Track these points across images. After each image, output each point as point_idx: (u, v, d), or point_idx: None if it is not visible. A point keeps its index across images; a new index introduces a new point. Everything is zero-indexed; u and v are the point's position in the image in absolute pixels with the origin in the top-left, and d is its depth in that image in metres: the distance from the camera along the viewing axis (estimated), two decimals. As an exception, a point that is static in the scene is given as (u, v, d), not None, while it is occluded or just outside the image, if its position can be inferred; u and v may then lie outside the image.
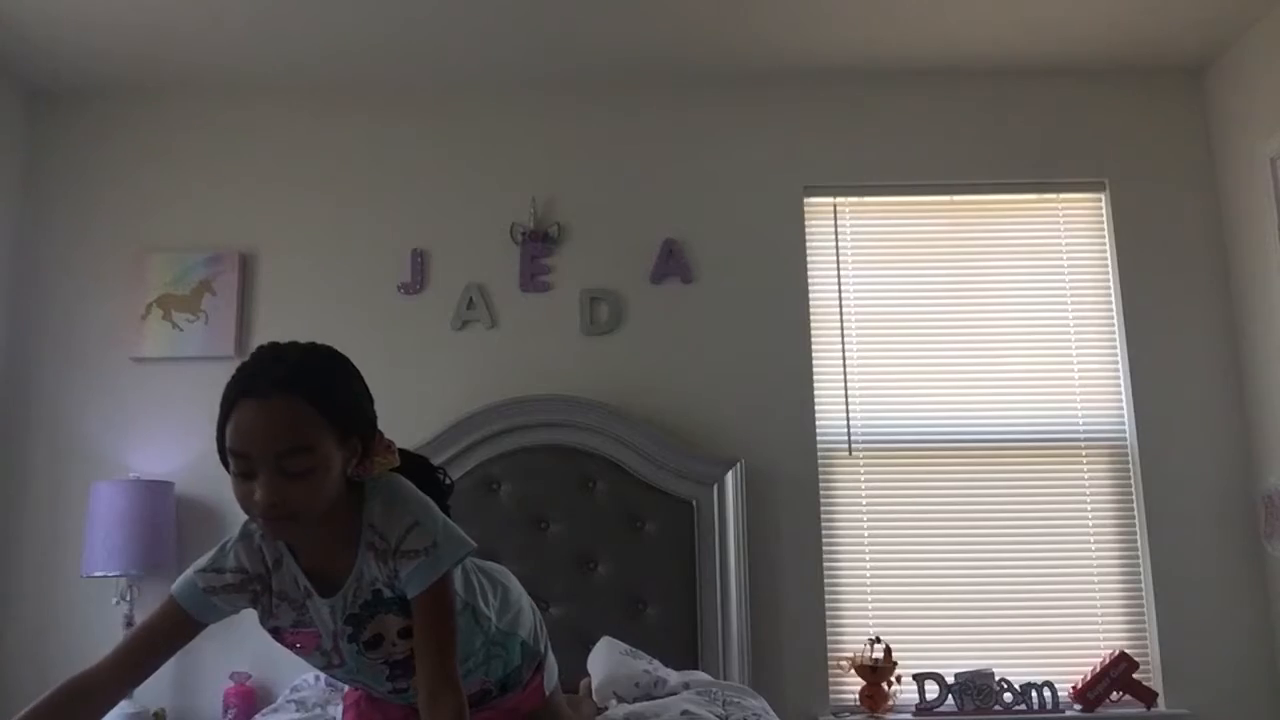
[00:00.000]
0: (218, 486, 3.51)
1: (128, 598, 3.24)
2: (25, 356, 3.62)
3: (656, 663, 2.94)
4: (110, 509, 3.24)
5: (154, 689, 3.32)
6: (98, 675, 1.59)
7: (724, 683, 2.96)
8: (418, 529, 1.56)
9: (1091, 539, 3.47)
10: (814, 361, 3.60)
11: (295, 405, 1.48)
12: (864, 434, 3.57)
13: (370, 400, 1.60)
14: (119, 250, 3.68)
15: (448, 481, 1.87)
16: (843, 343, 3.63)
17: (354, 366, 1.61)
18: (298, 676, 3.06)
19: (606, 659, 2.92)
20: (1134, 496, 3.50)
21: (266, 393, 1.51)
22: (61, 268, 3.68)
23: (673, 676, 2.90)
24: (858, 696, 3.30)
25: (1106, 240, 3.68)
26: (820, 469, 3.52)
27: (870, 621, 3.43)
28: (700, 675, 3.02)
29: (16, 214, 3.69)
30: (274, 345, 1.59)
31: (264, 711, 2.79)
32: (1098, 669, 3.31)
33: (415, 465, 1.76)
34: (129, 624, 3.23)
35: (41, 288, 3.67)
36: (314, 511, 1.48)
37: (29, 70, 3.65)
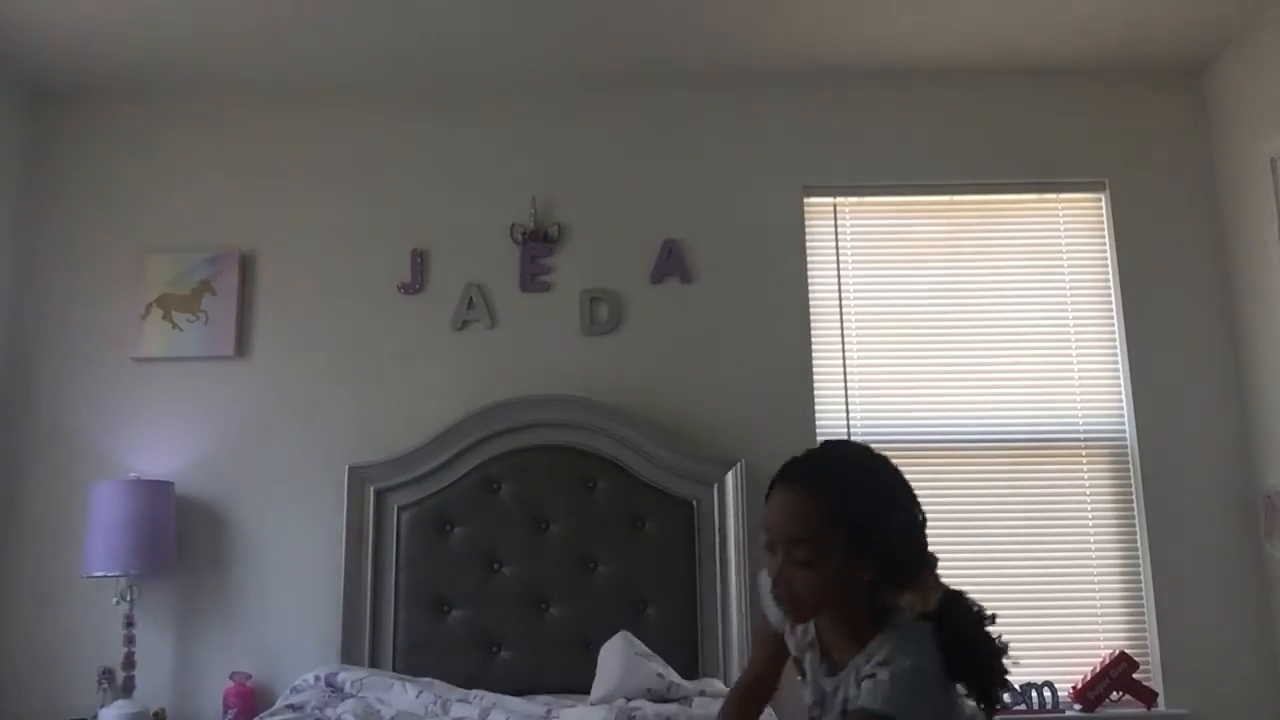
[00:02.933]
0: (218, 486, 3.51)
1: (128, 598, 3.24)
2: (25, 356, 3.62)
3: (670, 668, 2.94)
4: (110, 509, 3.24)
5: (154, 689, 3.33)
6: (754, 670, 1.91)
7: None
8: (885, 668, 1.52)
9: (1091, 539, 3.47)
10: (814, 361, 3.59)
11: (809, 502, 1.60)
12: (864, 434, 3.57)
13: (907, 535, 1.64)
14: (119, 250, 3.68)
15: (994, 648, 1.63)
16: (843, 342, 3.63)
17: (898, 494, 1.66)
18: (297, 677, 3.06)
19: (621, 659, 2.91)
20: (1134, 496, 3.50)
21: (792, 482, 1.65)
22: (61, 268, 3.69)
23: (686, 685, 2.89)
24: (858, 696, 3.29)
25: (1106, 240, 3.68)
26: (820, 469, 3.51)
27: (870, 621, 3.43)
28: (716, 684, 3.02)
29: (16, 214, 3.69)
30: (833, 443, 1.76)
31: (262, 716, 2.78)
32: (1098, 669, 3.31)
33: (966, 622, 1.64)
34: (129, 624, 3.23)
35: (41, 288, 3.67)
36: (813, 602, 1.59)
37: (29, 70, 3.65)
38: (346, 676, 2.95)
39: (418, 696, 2.83)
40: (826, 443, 1.73)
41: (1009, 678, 1.60)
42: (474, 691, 2.93)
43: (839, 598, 1.58)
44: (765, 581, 1.70)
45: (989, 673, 1.58)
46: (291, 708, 2.79)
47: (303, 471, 3.49)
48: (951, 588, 1.65)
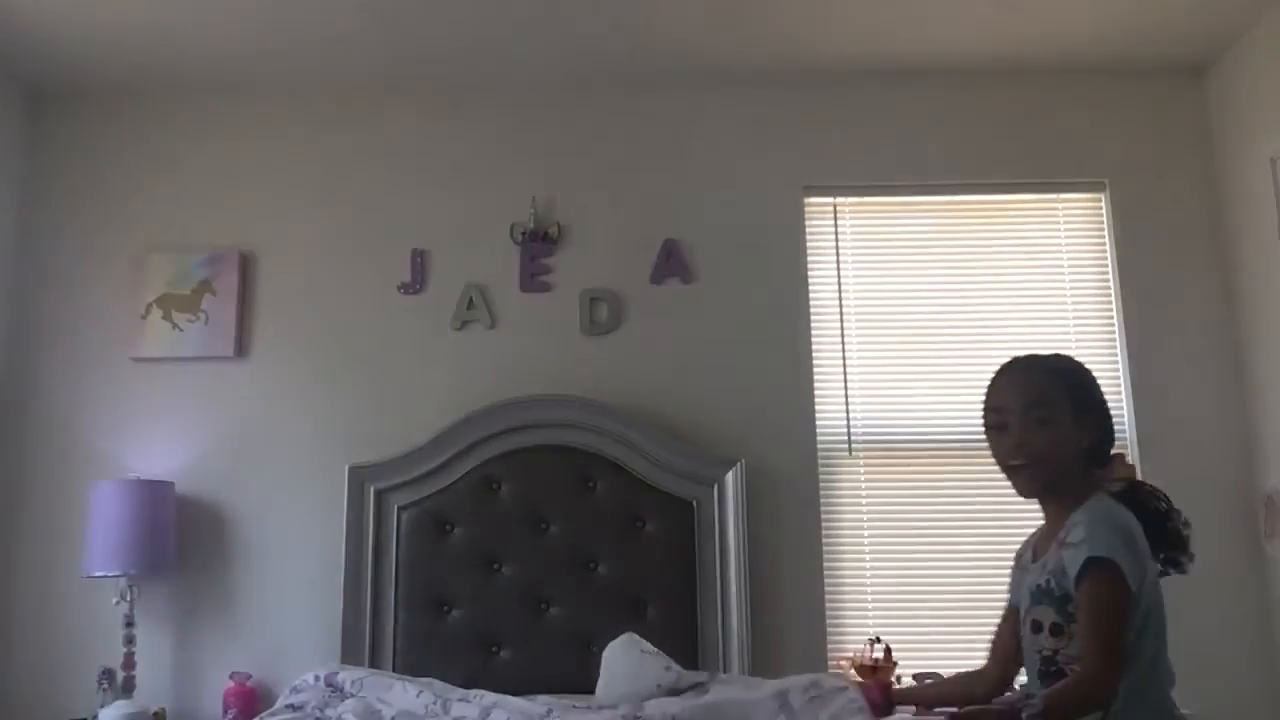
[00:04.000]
0: (218, 486, 3.52)
1: (128, 598, 3.24)
2: (25, 356, 3.62)
3: (675, 663, 2.93)
4: (110, 509, 3.24)
5: (154, 689, 3.33)
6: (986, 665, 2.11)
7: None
8: (1077, 529, 1.76)
9: (1091, 539, 3.47)
10: (814, 361, 3.60)
11: (1038, 373, 1.91)
12: (864, 434, 3.57)
13: (1108, 414, 1.92)
14: (119, 250, 3.68)
15: (1171, 527, 1.95)
16: (843, 343, 3.63)
17: (1091, 375, 1.94)
18: (297, 677, 3.06)
19: (627, 658, 2.90)
20: (1134, 496, 3.49)
21: (1016, 368, 1.94)
22: (61, 268, 3.68)
23: (695, 674, 2.89)
24: (858, 696, 3.29)
25: (1106, 240, 3.68)
26: (820, 469, 3.52)
27: (870, 621, 3.43)
28: (722, 673, 3.02)
29: (16, 214, 3.69)
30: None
31: (262, 716, 2.78)
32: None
33: (1156, 495, 1.95)
34: (129, 624, 3.23)
35: (41, 288, 3.67)
36: (1051, 460, 1.82)
37: (29, 70, 3.65)
38: (346, 676, 2.95)
39: (418, 696, 2.82)
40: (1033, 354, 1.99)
41: (1190, 549, 1.91)
42: (474, 691, 2.92)
43: (1066, 462, 1.83)
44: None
45: (1176, 539, 1.91)
46: (291, 708, 2.79)
47: (303, 471, 3.49)
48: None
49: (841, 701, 2.16)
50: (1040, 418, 1.83)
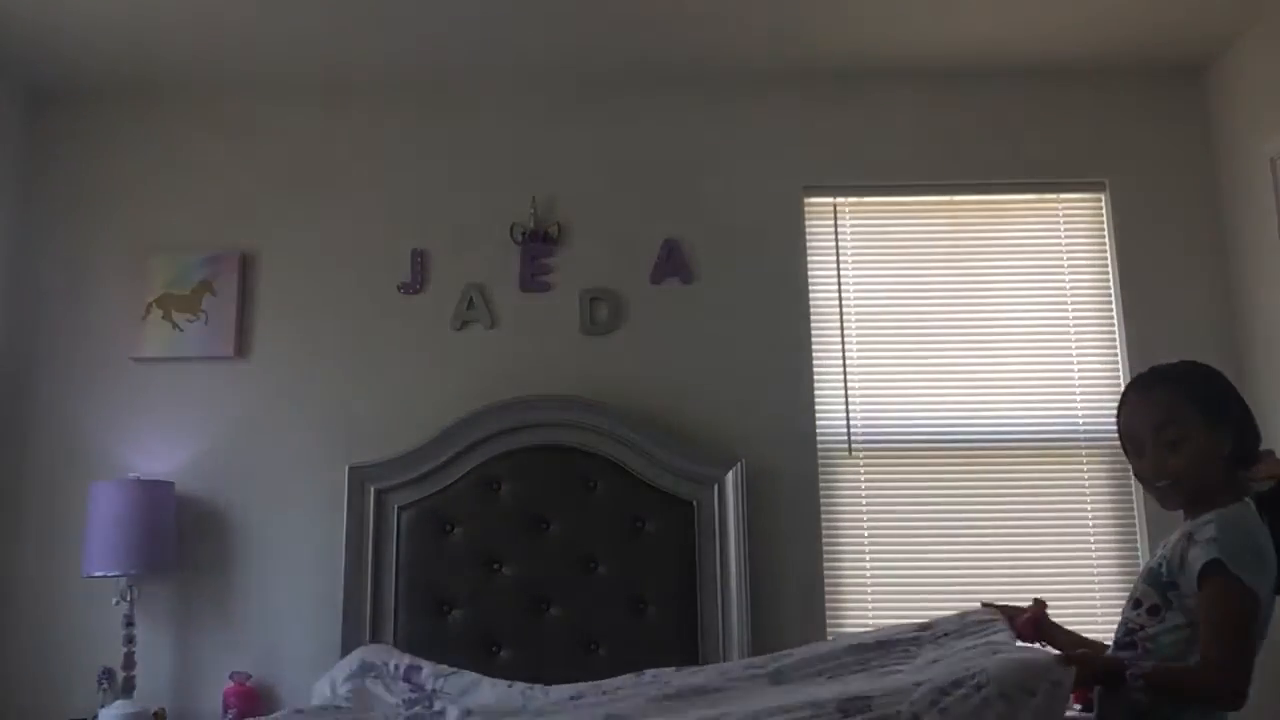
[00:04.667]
0: (218, 486, 3.52)
1: (128, 598, 3.24)
2: (25, 356, 3.62)
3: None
4: (110, 509, 3.24)
5: (154, 689, 3.33)
6: None
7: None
8: (1208, 527, 1.75)
9: (1091, 539, 3.47)
10: (814, 361, 3.60)
11: (1163, 392, 1.88)
12: (864, 434, 3.57)
13: (1247, 414, 1.89)
14: (119, 250, 3.68)
15: None
16: (843, 343, 3.63)
17: (1227, 382, 1.92)
18: (297, 677, 3.06)
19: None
20: (1134, 496, 3.49)
21: (1141, 388, 1.94)
22: (61, 268, 3.69)
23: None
24: (858, 696, 3.29)
25: (1106, 240, 3.68)
26: (820, 469, 3.52)
27: (870, 621, 3.43)
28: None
29: (16, 214, 3.69)
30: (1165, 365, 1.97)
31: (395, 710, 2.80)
32: (1098, 669, 3.31)
33: None
34: (129, 624, 3.23)
35: (41, 288, 3.67)
36: (1190, 477, 1.82)
37: (29, 70, 3.65)
38: (429, 672, 2.97)
39: (510, 687, 2.85)
40: (1158, 365, 1.98)
41: None
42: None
43: (1212, 475, 1.82)
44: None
45: None
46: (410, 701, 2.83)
47: (303, 471, 3.49)
48: None
49: (989, 631, 2.12)
50: (1172, 440, 1.83)
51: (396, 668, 2.99)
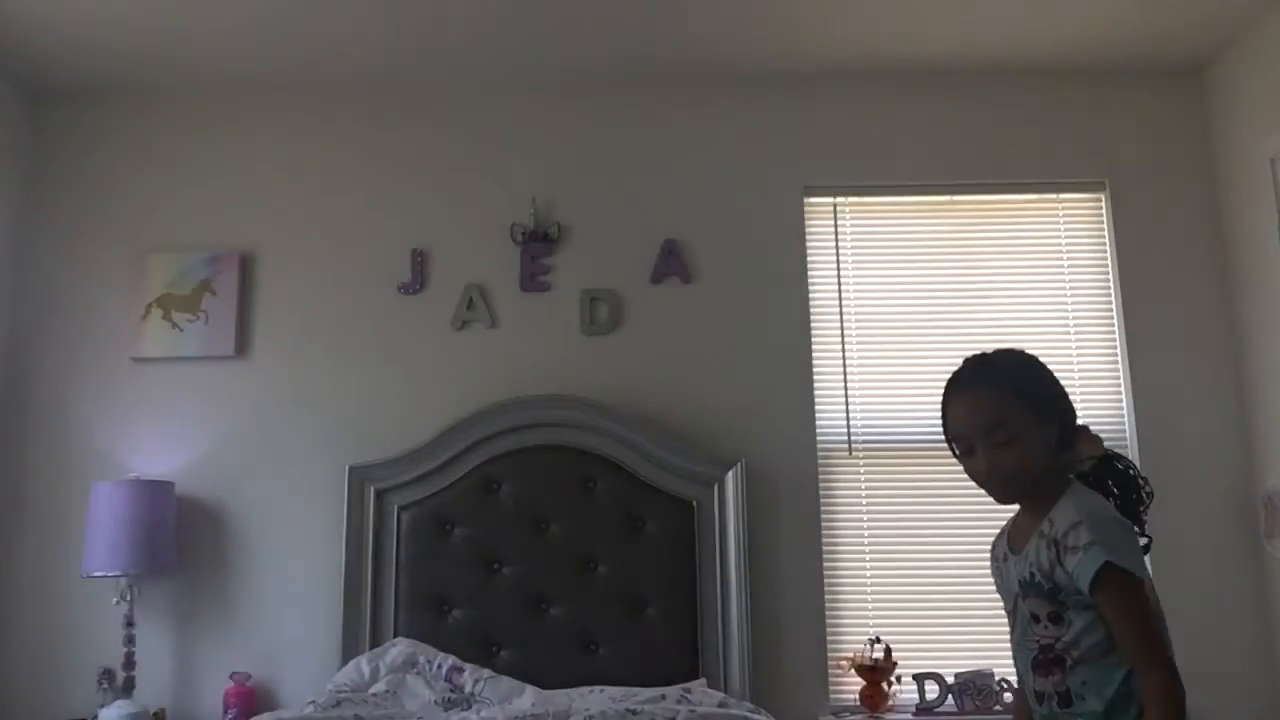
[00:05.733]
0: (218, 486, 3.52)
1: (128, 598, 3.24)
2: (25, 356, 3.62)
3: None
4: (110, 509, 3.24)
5: (154, 689, 3.33)
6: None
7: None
8: (1079, 531, 1.69)
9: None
10: (814, 361, 3.60)
11: (989, 390, 1.82)
12: (864, 434, 3.57)
13: (1065, 396, 1.86)
14: (119, 250, 3.68)
15: (1144, 493, 1.87)
16: (843, 343, 3.63)
17: (1044, 367, 1.89)
18: (298, 677, 3.07)
19: None
20: (1134, 496, 3.49)
21: (967, 385, 1.86)
22: (61, 268, 3.68)
23: None
24: (858, 696, 3.29)
25: (1106, 240, 3.68)
26: (820, 469, 3.52)
27: (870, 621, 3.43)
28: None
29: (16, 214, 3.69)
30: (979, 354, 1.91)
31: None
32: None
33: (1119, 472, 1.87)
34: (129, 624, 3.23)
35: (41, 288, 3.67)
36: (1022, 475, 1.78)
37: (29, 70, 3.65)
38: (470, 675, 3.02)
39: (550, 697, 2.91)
40: (973, 355, 1.92)
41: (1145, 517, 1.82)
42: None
43: (1039, 468, 1.78)
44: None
45: (1143, 509, 1.83)
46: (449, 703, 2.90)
47: (303, 471, 3.49)
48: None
49: None
50: (1003, 440, 1.78)
51: (440, 666, 3.03)
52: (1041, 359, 1.89)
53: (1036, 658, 1.77)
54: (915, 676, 3.29)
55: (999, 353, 1.90)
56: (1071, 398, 1.87)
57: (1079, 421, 1.85)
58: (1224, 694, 3.32)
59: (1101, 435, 1.93)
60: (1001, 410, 1.78)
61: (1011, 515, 1.92)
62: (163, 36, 3.45)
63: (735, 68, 3.70)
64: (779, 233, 3.67)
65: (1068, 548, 1.69)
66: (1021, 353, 1.90)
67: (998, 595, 1.94)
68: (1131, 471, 1.86)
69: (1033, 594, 1.77)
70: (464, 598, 3.29)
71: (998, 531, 1.97)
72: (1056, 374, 1.88)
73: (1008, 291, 3.66)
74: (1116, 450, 1.90)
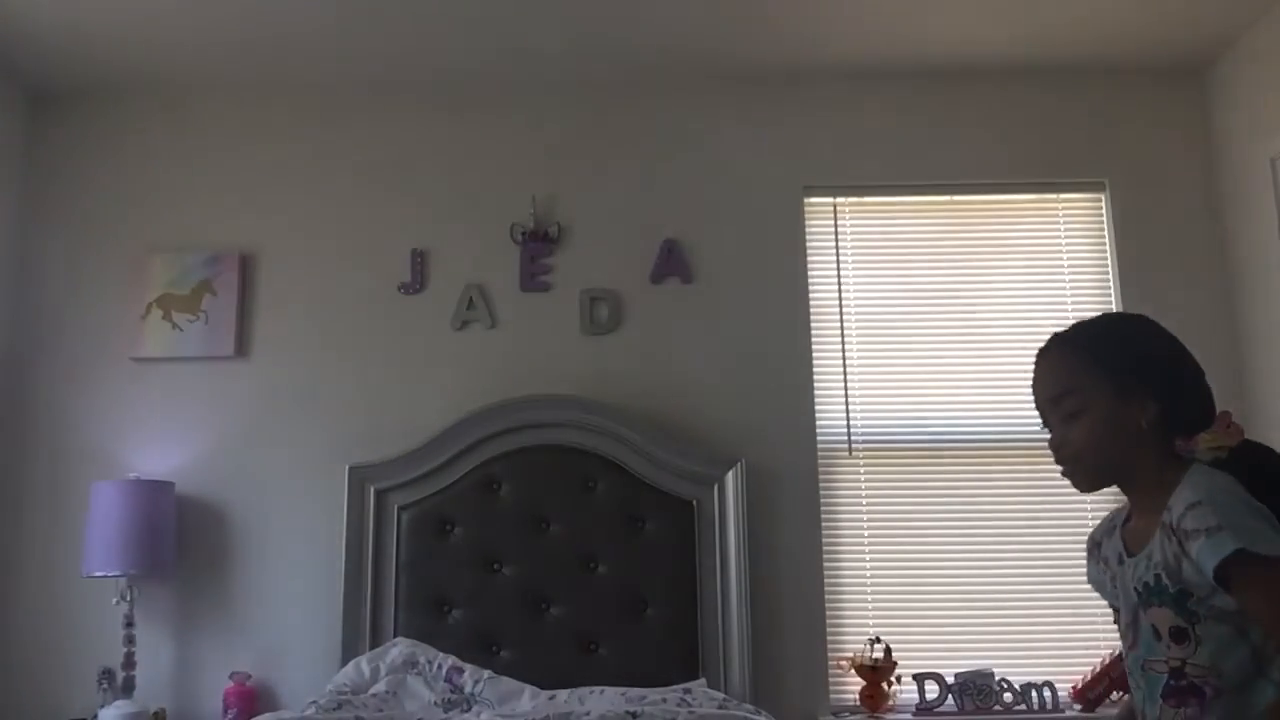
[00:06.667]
0: (218, 486, 3.51)
1: (128, 598, 3.24)
2: (25, 356, 3.62)
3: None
4: (110, 509, 3.24)
5: (154, 689, 3.33)
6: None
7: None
8: (1198, 509, 1.40)
9: (1091, 539, 3.47)
10: (814, 361, 3.59)
11: (1062, 356, 1.60)
12: (864, 434, 3.57)
13: (1179, 370, 1.60)
14: (119, 250, 3.68)
15: None
16: (843, 343, 3.63)
17: (1157, 336, 1.64)
18: (299, 677, 3.07)
19: None
20: (1134, 496, 3.49)
21: (1044, 351, 1.64)
22: (61, 268, 3.68)
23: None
24: (858, 696, 3.29)
25: (1106, 240, 3.68)
26: (820, 469, 3.52)
27: (870, 621, 3.43)
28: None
29: (16, 214, 3.69)
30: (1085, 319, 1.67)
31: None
32: (1098, 669, 3.31)
33: (1258, 466, 1.52)
34: (129, 624, 3.23)
35: (41, 288, 3.67)
36: (1095, 455, 1.54)
37: (29, 70, 3.65)
38: (470, 675, 3.02)
39: (550, 700, 2.92)
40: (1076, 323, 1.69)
41: None
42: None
43: (1123, 450, 1.53)
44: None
45: None
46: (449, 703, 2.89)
47: (303, 471, 3.49)
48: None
49: None
50: (1071, 411, 1.55)
51: (440, 666, 3.03)
52: (1166, 328, 1.65)
53: (1168, 683, 1.47)
54: (915, 676, 3.29)
55: (1102, 315, 1.70)
56: (1199, 374, 1.61)
57: (1218, 409, 1.57)
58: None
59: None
60: (1072, 377, 1.56)
61: (1118, 508, 1.67)
62: (163, 37, 3.45)
63: (735, 67, 3.70)
64: (779, 233, 3.67)
65: (1188, 532, 1.40)
66: (1131, 316, 1.68)
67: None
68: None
69: (1156, 602, 1.47)
70: (464, 598, 3.29)
71: (1099, 523, 1.70)
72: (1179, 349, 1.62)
73: (1008, 291, 3.66)
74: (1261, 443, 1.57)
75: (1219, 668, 1.41)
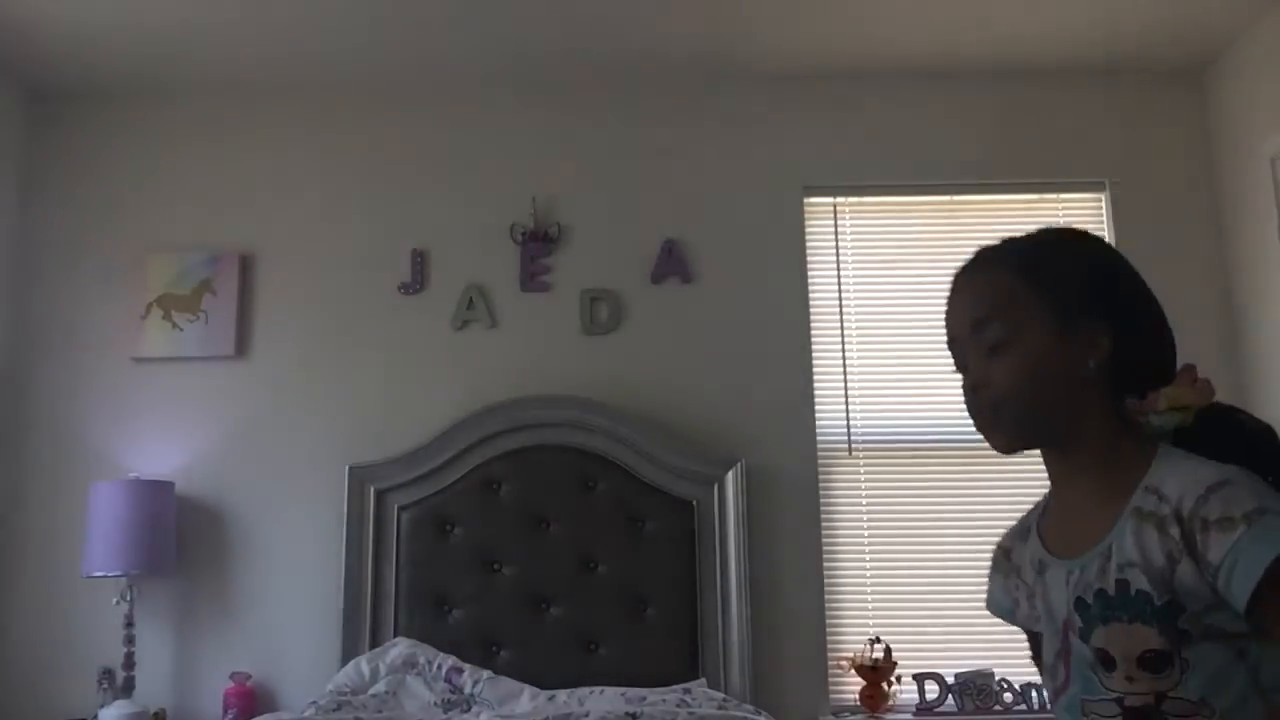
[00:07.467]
0: (218, 486, 3.51)
1: (128, 598, 3.24)
2: (25, 356, 3.62)
3: None
4: (110, 509, 3.24)
5: (154, 689, 3.33)
6: None
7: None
8: (1227, 489, 1.04)
9: (1091, 539, 3.47)
10: (814, 361, 3.59)
11: (990, 273, 1.23)
12: (864, 434, 3.57)
13: (1136, 304, 1.22)
14: (119, 250, 3.68)
15: None
16: (843, 343, 3.63)
17: (1109, 248, 1.26)
18: (298, 679, 3.07)
19: None
20: (1134, 496, 3.49)
21: (967, 268, 1.29)
22: (61, 268, 3.68)
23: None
24: (858, 696, 3.29)
25: (1106, 240, 3.67)
26: (820, 469, 3.52)
27: (870, 621, 3.43)
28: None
29: (16, 214, 3.69)
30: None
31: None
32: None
33: (1242, 440, 1.16)
34: (129, 624, 3.23)
35: (41, 288, 3.67)
36: (1025, 404, 1.15)
37: (29, 71, 3.64)
38: (470, 676, 3.02)
39: (550, 700, 2.92)
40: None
41: None
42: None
43: (1062, 396, 1.15)
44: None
45: None
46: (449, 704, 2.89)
47: (303, 471, 3.49)
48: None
49: None
50: (995, 342, 1.18)
51: (439, 667, 3.03)
52: (1118, 249, 1.27)
53: None
54: (915, 676, 3.29)
55: (1042, 229, 1.29)
56: (1160, 314, 1.26)
57: (1179, 361, 1.24)
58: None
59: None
60: (998, 298, 1.20)
61: (1038, 501, 1.33)
62: (162, 37, 3.45)
63: (735, 68, 3.70)
64: (779, 233, 3.67)
65: (1212, 523, 1.03)
66: (1079, 231, 1.29)
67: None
68: (1258, 426, 1.18)
69: (1121, 618, 1.08)
70: (464, 598, 3.29)
71: (1007, 531, 1.41)
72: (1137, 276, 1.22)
73: (1008, 291, 3.65)
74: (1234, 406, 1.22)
75: (1212, 703, 1.05)
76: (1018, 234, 1.27)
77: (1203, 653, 1.06)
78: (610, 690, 2.96)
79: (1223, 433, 1.16)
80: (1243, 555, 1.01)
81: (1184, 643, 1.06)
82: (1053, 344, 1.16)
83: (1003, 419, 1.18)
